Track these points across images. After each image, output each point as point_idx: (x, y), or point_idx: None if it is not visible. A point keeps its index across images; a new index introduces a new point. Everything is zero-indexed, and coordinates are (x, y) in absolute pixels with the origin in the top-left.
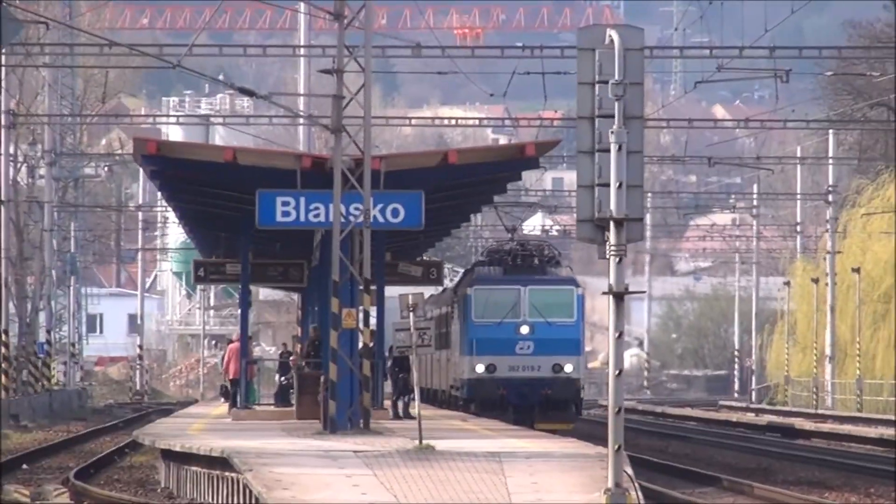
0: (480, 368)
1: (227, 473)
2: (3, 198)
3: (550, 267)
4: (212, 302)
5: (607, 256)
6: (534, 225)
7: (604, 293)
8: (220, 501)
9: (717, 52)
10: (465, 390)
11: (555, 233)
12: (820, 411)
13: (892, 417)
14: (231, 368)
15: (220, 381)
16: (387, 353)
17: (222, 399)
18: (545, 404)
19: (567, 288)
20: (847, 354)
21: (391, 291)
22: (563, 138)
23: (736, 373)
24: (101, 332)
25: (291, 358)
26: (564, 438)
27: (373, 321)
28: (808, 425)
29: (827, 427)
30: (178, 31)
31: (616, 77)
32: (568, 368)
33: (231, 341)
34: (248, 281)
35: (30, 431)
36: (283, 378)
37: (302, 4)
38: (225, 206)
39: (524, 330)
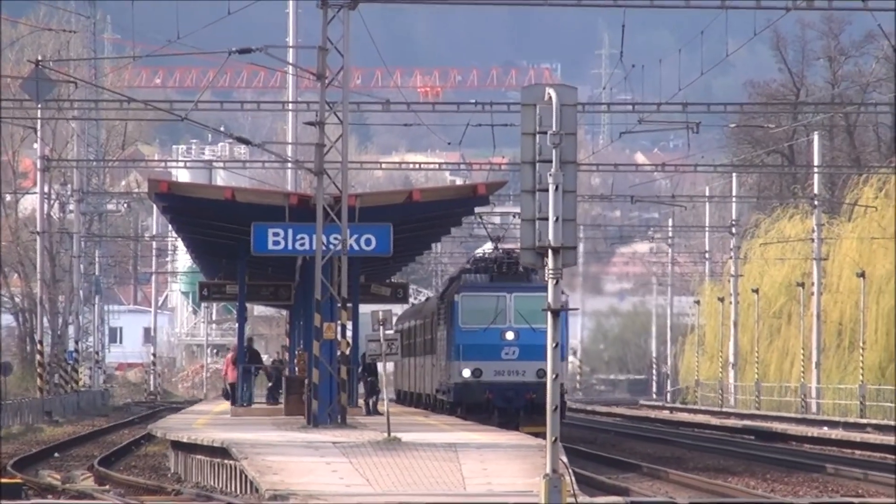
0: (467, 373)
1: (226, 461)
2: (39, 229)
3: (534, 275)
4: (214, 317)
5: (546, 279)
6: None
7: (543, 310)
8: (220, 485)
9: (638, 108)
10: (452, 394)
11: None
12: (724, 409)
13: (784, 414)
14: (229, 374)
15: (221, 384)
16: (360, 360)
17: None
18: (530, 408)
19: None
20: (747, 362)
21: (364, 308)
22: (508, 180)
23: (654, 377)
24: (121, 342)
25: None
26: (510, 432)
27: (349, 333)
28: (715, 421)
29: (730, 422)
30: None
31: (554, 128)
32: None
33: (231, 352)
34: (244, 299)
35: (60, 425)
36: (269, 383)
37: (290, 67)
38: (225, 236)
39: (509, 336)
